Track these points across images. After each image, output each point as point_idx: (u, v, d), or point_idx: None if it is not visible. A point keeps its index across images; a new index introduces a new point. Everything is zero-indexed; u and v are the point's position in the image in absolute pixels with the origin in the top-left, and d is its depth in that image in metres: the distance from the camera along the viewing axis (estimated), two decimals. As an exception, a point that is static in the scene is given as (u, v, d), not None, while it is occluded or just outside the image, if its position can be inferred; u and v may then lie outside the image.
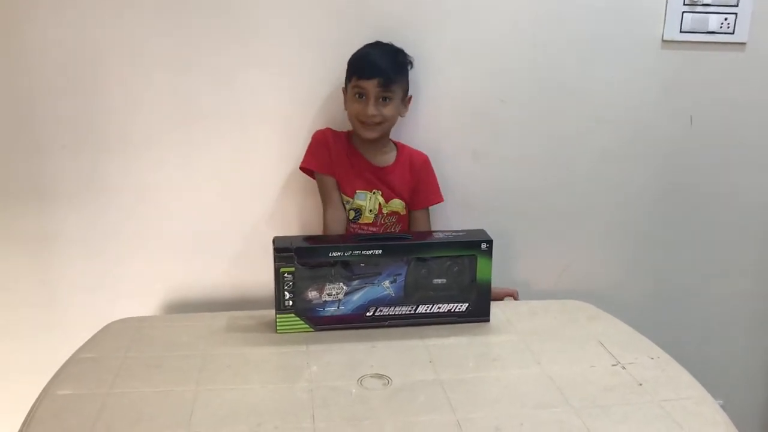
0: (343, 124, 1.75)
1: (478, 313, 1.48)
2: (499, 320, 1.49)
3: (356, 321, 1.44)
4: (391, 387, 1.23)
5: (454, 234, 1.51)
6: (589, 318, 1.53)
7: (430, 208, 1.79)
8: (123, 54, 1.70)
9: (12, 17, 1.65)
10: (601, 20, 1.80)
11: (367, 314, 1.45)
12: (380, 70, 1.62)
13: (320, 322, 1.43)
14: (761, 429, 2.13)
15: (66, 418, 1.12)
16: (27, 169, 1.74)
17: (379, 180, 1.73)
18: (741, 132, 1.92)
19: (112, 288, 1.81)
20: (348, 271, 1.42)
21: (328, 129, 1.75)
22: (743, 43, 1.84)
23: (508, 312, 1.54)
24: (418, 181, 1.75)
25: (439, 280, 1.45)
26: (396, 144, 1.77)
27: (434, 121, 1.81)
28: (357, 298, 1.43)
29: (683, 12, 1.80)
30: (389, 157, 1.75)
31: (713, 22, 1.81)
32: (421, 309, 1.46)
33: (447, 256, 1.45)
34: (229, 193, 1.80)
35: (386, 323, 1.45)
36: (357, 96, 1.64)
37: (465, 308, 1.47)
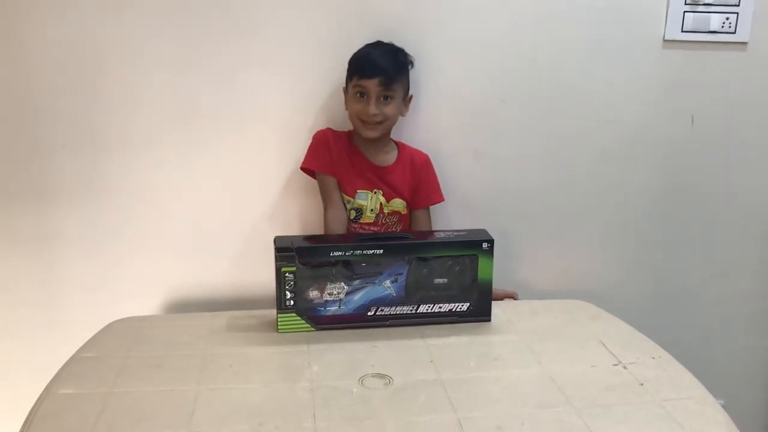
0: (343, 124, 1.75)
1: (479, 313, 1.48)
2: (500, 320, 1.49)
3: (357, 320, 1.44)
4: (392, 386, 1.23)
5: (455, 233, 1.51)
6: (590, 318, 1.53)
7: (431, 207, 1.79)
8: (123, 54, 1.70)
9: (12, 17, 1.65)
10: (602, 20, 1.80)
11: (368, 314, 1.44)
12: (381, 69, 1.62)
13: (321, 321, 1.43)
14: (763, 429, 2.13)
15: (67, 418, 1.12)
16: (27, 169, 1.74)
17: (380, 179, 1.73)
18: (742, 132, 1.92)
19: (113, 288, 1.81)
20: (349, 270, 1.42)
21: (329, 129, 1.75)
22: (745, 43, 1.84)
23: (509, 312, 1.54)
24: (419, 181, 1.75)
25: (441, 280, 1.45)
26: (397, 143, 1.77)
27: (435, 121, 1.81)
28: (358, 297, 1.43)
29: (684, 11, 1.80)
30: (390, 157, 1.75)
31: (715, 21, 1.81)
32: (422, 309, 1.46)
33: (448, 256, 1.45)
34: (229, 193, 1.80)
35: (387, 323, 1.45)
36: (358, 95, 1.64)
37: (466, 308, 1.47)
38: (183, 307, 1.83)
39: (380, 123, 1.65)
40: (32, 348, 1.81)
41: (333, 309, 1.43)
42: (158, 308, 1.84)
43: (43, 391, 1.20)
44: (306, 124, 1.78)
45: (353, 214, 1.73)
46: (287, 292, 1.41)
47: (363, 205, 1.72)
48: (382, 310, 1.45)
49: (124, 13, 1.67)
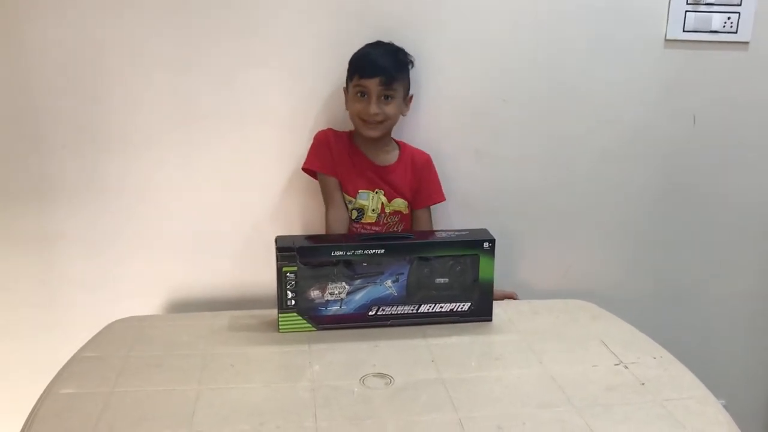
0: (344, 124, 1.75)
1: (481, 313, 1.48)
2: (502, 320, 1.49)
3: (358, 320, 1.44)
4: (394, 386, 1.23)
5: (456, 233, 1.50)
6: (591, 317, 1.53)
7: (432, 207, 1.79)
8: (123, 54, 1.70)
9: (12, 17, 1.65)
10: (604, 20, 1.80)
11: (370, 313, 1.44)
12: (382, 68, 1.62)
13: (322, 321, 1.43)
14: (764, 429, 2.12)
15: (68, 417, 1.12)
16: (28, 169, 1.74)
17: (382, 179, 1.73)
18: (743, 132, 1.92)
19: (114, 288, 1.81)
20: (350, 270, 1.42)
21: (330, 129, 1.75)
22: (746, 43, 1.84)
23: (510, 311, 1.53)
24: (420, 180, 1.75)
25: (442, 280, 1.45)
26: (398, 143, 1.77)
27: (435, 121, 1.81)
28: (359, 297, 1.43)
29: (686, 11, 1.80)
30: (391, 157, 1.75)
31: (716, 21, 1.81)
32: (424, 308, 1.46)
33: (449, 256, 1.45)
34: (231, 193, 1.80)
35: (388, 323, 1.45)
36: (359, 95, 1.64)
37: (467, 308, 1.47)
38: (184, 307, 1.83)
39: (381, 122, 1.65)
40: (32, 348, 1.81)
41: (334, 309, 1.43)
42: (159, 308, 1.84)
43: (44, 391, 1.20)
44: (307, 124, 1.78)
45: (355, 214, 1.73)
46: (288, 292, 1.41)
47: (364, 205, 1.72)
48: (383, 310, 1.45)
49: (124, 13, 1.67)
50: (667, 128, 1.89)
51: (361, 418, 1.13)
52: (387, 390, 1.21)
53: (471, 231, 1.51)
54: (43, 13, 1.65)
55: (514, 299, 1.74)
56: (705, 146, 1.91)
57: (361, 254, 1.41)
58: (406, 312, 1.46)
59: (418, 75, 1.74)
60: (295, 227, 1.83)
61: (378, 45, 1.69)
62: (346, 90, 1.70)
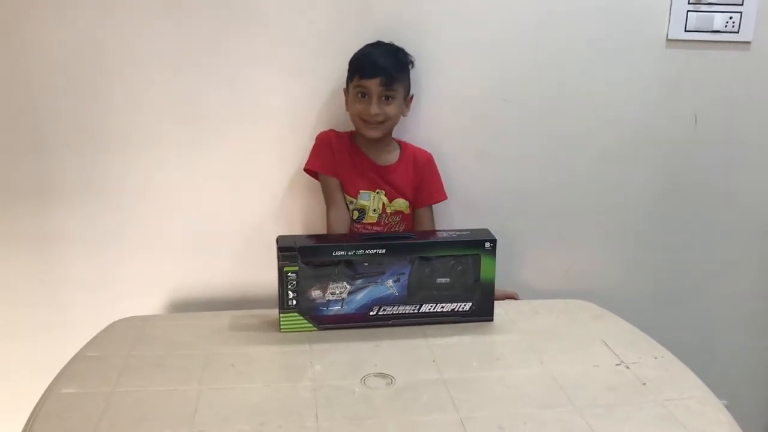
0: (346, 124, 1.75)
1: (482, 313, 1.48)
2: (503, 320, 1.49)
3: (360, 320, 1.44)
4: (395, 386, 1.23)
5: (457, 233, 1.50)
6: (592, 317, 1.53)
7: (434, 206, 1.78)
8: (124, 53, 1.69)
9: (12, 17, 1.65)
10: (605, 20, 1.80)
11: (371, 313, 1.44)
12: (382, 68, 1.62)
13: (324, 321, 1.43)
14: (766, 429, 2.12)
15: (70, 417, 1.12)
16: (28, 169, 1.74)
17: (383, 179, 1.73)
18: (745, 131, 1.91)
19: (114, 287, 1.81)
20: (351, 270, 1.42)
21: (332, 130, 1.75)
22: (748, 42, 1.84)
23: (511, 311, 1.53)
24: (421, 180, 1.75)
25: (443, 280, 1.45)
26: (399, 143, 1.77)
27: (437, 122, 1.81)
28: (360, 297, 1.43)
29: (688, 11, 1.80)
30: (392, 156, 1.75)
31: (718, 21, 1.81)
32: (425, 308, 1.46)
33: (451, 256, 1.45)
34: (232, 193, 1.80)
35: (390, 322, 1.45)
36: (359, 95, 1.64)
37: (468, 308, 1.47)
38: (184, 307, 1.83)
39: (382, 123, 1.65)
40: (32, 348, 1.81)
41: (335, 308, 1.43)
42: (160, 308, 1.84)
43: (46, 390, 1.20)
44: (308, 124, 1.77)
45: (356, 214, 1.73)
46: (290, 292, 1.41)
47: (365, 206, 1.72)
48: (384, 310, 1.45)
49: (125, 13, 1.67)
50: (669, 128, 1.89)
51: (362, 418, 1.13)
52: (388, 390, 1.22)
53: (472, 231, 1.51)
54: (43, 12, 1.65)
55: (515, 299, 1.74)
56: (706, 146, 1.91)
57: (362, 254, 1.41)
58: (407, 312, 1.46)
59: (418, 75, 1.74)
60: (296, 227, 1.83)
61: (378, 45, 1.69)
62: (346, 91, 1.70)
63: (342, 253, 1.41)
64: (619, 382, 1.24)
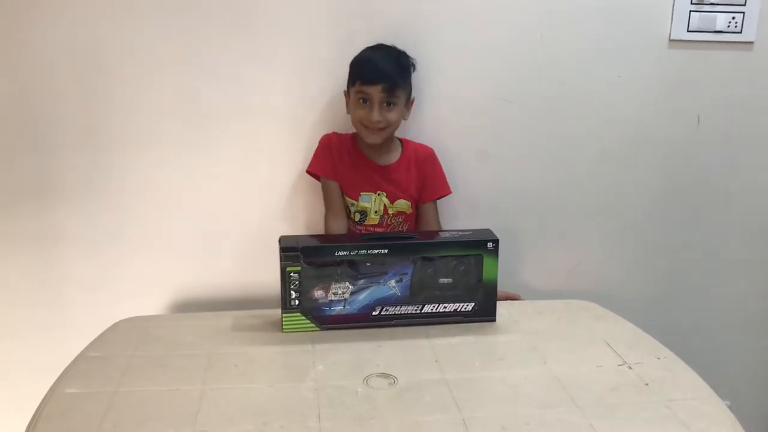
0: (349, 125, 1.75)
1: (484, 313, 1.48)
2: (505, 320, 1.49)
3: (362, 320, 1.44)
4: (397, 386, 1.23)
5: (460, 233, 1.50)
6: (595, 318, 1.53)
7: (439, 202, 1.78)
8: (125, 53, 1.70)
9: (13, 17, 1.65)
10: (608, 20, 1.79)
11: (373, 313, 1.44)
12: (384, 75, 1.60)
13: (326, 321, 1.43)
14: (768, 430, 2.12)
15: (73, 417, 1.12)
16: (29, 169, 1.74)
17: (384, 179, 1.72)
18: (747, 132, 1.91)
19: (116, 287, 1.82)
20: (354, 270, 1.42)
21: (334, 133, 1.75)
22: (751, 42, 1.83)
23: (514, 312, 1.53)
24: (424, 176, 1.74)
25: (445, 280, 1.45)
26: (401, 140, 1.76)
27: (438, 122, 1.81)
28: (363, 297, 1.43)
29: (690, 11, 1.80)
30: (394, 155, 1.75)
31: (721, 21, 1.80)
32: (427, 308, 1.46)
33: (453, 256, 1.45)
34: (234, 192, 1.80)
35: (392, 323, 1.45)
36: (361, 101, 1.63)
37: (471, 308, 1.47)
38: (186, 307, 1.83)
39: (383, 129, 1.65)
40: (33, 348, 1.81)
41: (338, 309, 1.43)
42: (162, 308, 1.84)
43: (49, 391, 1.20)
44: (310, 124, 1.78)
45: (357, 216, 1.73)
46: (292, 292, 1.41)
47: (367, 208, 1.72)
48: (386, 310, 1.45)
49: (125, 13, 1.68)
50: (671, 128, 1.88)
51: (364, 418, 1.13)
52: (391, 390, 1.22)
53: (474, 231, 1.51)
54: (44, 12, 1.65)
55: (518, 301, 1.74)
56: (708, 146, 1.90)
57: (364, 254, 1.41)
58: (409, 312, 1.46)
59: (420, 76, 1.74)
60: (299, 227, 1.83)
61: (379, 49, 1.67)
62: (347, 93, 1.69)
63: (345, 253, 1.41)
64: (621, 382, 1.24)
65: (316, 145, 1.75)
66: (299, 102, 1.77)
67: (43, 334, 1.81)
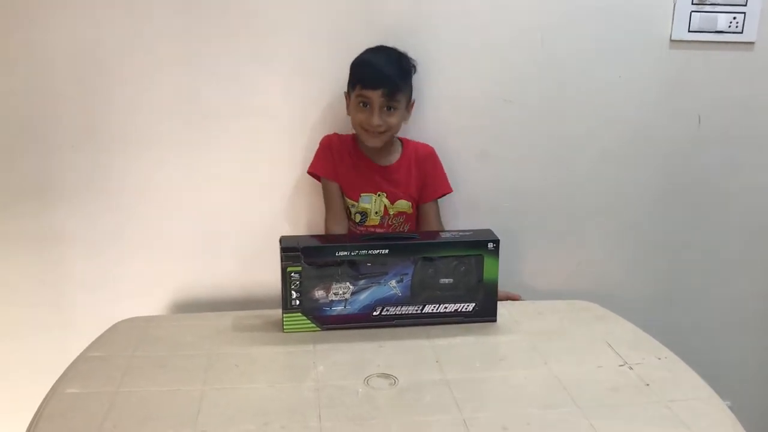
0: (350, 126, 1.75)
1: (485, 313, 1.48)
2: (506, 320, 1.49)
3: (363, 320, 1.44)
4: (398, 386, 1.23)
5: (460, 234, 1.50)
6: (596, 318, 1.53)
7: (439, 202, 1.78)
8: (125, 53, 1.70)
9: (13, 17, 1.65)
10: (608, 20, 1.79)
11: (374, 314, 1.44)
12: (385, 80, 1.60)
13: (327, 321, 1.43)
14: (769, 430, 2.12)
15: (74, 417, 1.12)
16: (30, 169, 1.74)
17: (385, 180, 1.72)
18: (748, 132, 1.91)
19: (116, 288, 1.81)
20: (355, 270, 1.42)
21: (335, 134, 1.75)
22: (752, 43, 1.83)
23: (514, 312, 1.53)
24: (425, 175, 1.74)
25: (446, 280, 1.45)
26: (401, 140, 1.76)
27: (438, 122, 1.81)
28: (364, 297, 1.43)
29: (691, 11, 1.79)
30: (394, 156, 1.74)
31: (722, 21, 1.80)
32: (428, 309, 1.46)
33: (454, 256, 1.45)
34: (234, 193, 1.80)
35: (393, 323, 1.45)
36: (361, 105, 1.63)
37: (472, 308, 1.47)
38: (187, 308, 1.83)
39: (384, 133, 1.65)
40: (33, 348, 1.81)
41: (338, 309, 1.43)
42: (162, 308, 1.84)
43: (50, 390, 1.20)
44: (311, 124, 1.78)
45: (358, 217, 1.73)
46: (293, 292, 1.41)
47: (367, 209, 1.72)
48: (387, 310, 1.45)
49: (125, 13, 1.67)
50: (672, 129, 1.88)
51: (365, 419, 1.13)
52: (391, 390, 1.22)
53: (475, 231, 1.51)
54: (44, 12, 1.65)
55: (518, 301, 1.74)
56: (709, 146, 1.90)
57: (365, 254, 1.41)
58: (410, 312, 1.46)
59: (421, 76, 1.74)
60: (300, 227, 1.83)
61: (380, 51, 1.66)
62: (347, 95, 1.68)
63: (345, 253, 1.41)
64: (622, 382, 1.24)
65: (316, 145, 1.75)
66: (299, 102, 1.77)
67: (44, 334, 1.81)
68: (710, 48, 1.83)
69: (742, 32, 1.82)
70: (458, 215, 1.84)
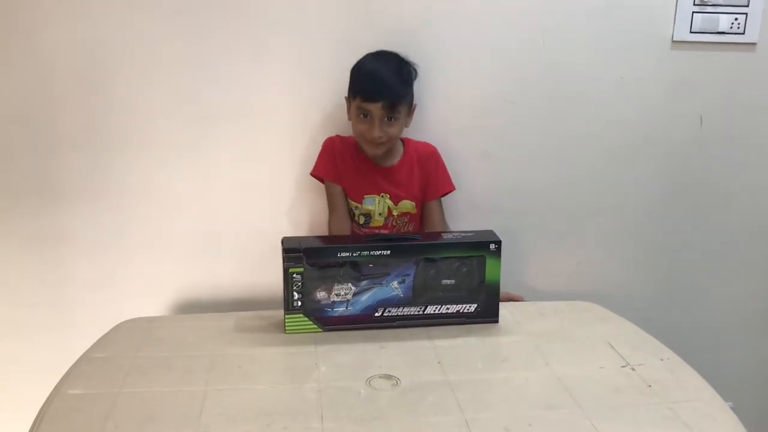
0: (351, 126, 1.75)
1: (487, 314, 1.48)
2: (508, 321, 1.49)
3: (365, 321, 1.44)
4: (400, 387, 1.23)
5: (462, 234, 1.50)
6: (598, 319, 1.53)
7: (444, 199, 1.78)
8: (126, 53, 1.69)
9: (12, 17, 1.65)
10: (610, 21, 1.79)
11: (376, 315, 1.44)
12: (385, 93, 1.58)
13: (329, 322, 1.43)
14: (770, 431, 2.12)
15: (76, 417, 1.12)
16: (31, 169, 1.74)
17: (387, 181, 1.72)
18: (750, 133, 1.91)
19: (117, 288, 1.81)
20: (356, 271, 1.42)
21: (337, 136, 1.75)
22: (753, 44, 1.83)
23: (516, 313, 1.53)
24: (427, 174, 1.74)
25: (448, 281, 1.45)
26: (402, 140, 1.76)
27: (440, 123, 1.81)
28: (365, 298, 1.43)
29: (693, 12, 1.80)
30: (396, 157, 1.74)
31: (723, 22, 1.80)
32: (430, 310, 1.46)
33: (456, 257, 1.45)
34: (236, 193, 1.80)
35: (395, 324, 1.45)
36: (361, 116, 1.62)
37: (474, 309, 1.47)
38: (189, 308, 1.83)
39: (385, 143, 1.64)
40: (34, 348, 1.81)
41: (340, 310, 1.43)
42: (164, 309, 1.84)
43: (53, 391, 1.20)
44: (313, 125, 1.78)
45: (362, 219, 1.73)
46: (295, 293, 1.41)
47: (371, 210, 1.72)
48: (389, 311, 1.45)
49: (126, 12, 1.67)
50: (674, 129, 1.88)
51: (367, 420, 1.13)
52: (393, 391, 1.22)
53: (477, 232, 1.51)
54: (44, 12, 1.65)
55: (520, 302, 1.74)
56: (710, 147, 1.90)
57: (367, 255, 1.41)
58: (412, 313, 1.46)
59: (422, 77, 1.74)
60: (302, 228, 1.83)
61: (380, 58, 1.64)
62: (348, 99, 1.67)
63: (347, 254, 1.41)
64: (624, 383, 1.24)
65: (317, 145, 1.75)
66: (299, 102, 1.77)
67: (45, 335, 1.81)
68: (712, 49, 1.83)
69: (743, 33, 1.82)
70: (459, 215, 1.84)
